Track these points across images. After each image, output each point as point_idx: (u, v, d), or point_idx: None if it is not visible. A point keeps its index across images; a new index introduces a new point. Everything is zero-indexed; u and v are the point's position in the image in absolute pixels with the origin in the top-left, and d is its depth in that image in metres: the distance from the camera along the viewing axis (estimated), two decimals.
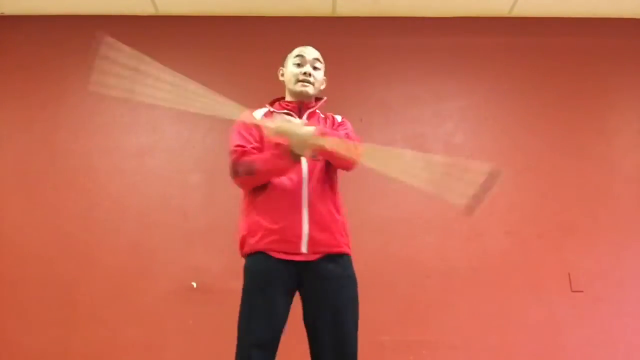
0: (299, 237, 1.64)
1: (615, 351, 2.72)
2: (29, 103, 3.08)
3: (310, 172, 1.70)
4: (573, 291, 2.79)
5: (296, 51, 1.87)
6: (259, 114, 1.83)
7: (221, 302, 2.64)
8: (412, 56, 3.22)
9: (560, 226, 2.91)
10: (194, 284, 2.73)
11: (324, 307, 1.63)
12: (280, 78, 1.92)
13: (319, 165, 1.73)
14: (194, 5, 3.19)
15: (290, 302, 1.67)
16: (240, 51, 3.19)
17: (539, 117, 3.12)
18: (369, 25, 3.26)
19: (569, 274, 2.82)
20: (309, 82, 1.81)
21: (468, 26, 3.27)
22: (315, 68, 1.85)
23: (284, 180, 1.68)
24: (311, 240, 1.64)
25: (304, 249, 1.64)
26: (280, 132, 1.59)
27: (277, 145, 1.63)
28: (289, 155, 1.60)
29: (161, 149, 3.02)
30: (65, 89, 3.11)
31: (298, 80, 1.81)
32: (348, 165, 1.72)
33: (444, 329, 2.73)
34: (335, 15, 3.26)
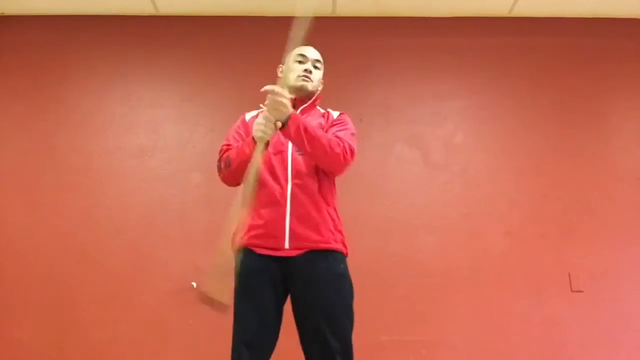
0: (282, 232, 1.62)
1: (615, 351, 2.72)
2: (29, 103, 3.08)
3: (296, 168, 1.71)
4: (573, 291, 2.79)
5: (298, 50, 1.88)
6: (250, 114, 1.90)
7: None
8: (412, 56, 3.22)
9: (560, 226, 2.91)
10: (194, 284, 2.73)
11: (313, 309, 1.59)
12: (280, 75, 1.93)
13: (307, 162, 1.72)
14: (194, 5, 3.19)
15: (283, 300, 1.66)
16: (240, 51, 3.19)
17: (539, 117, 3.12)
18: (369, 25, 3.26)
19: (569, 274, 2.82)
20: (309, 78, 1.84)
21: (468, 26, 3.27)
22: (315, 67, 1.88)
23: (270, 179, 1.69)
24: (294, 236, 1.62)
25: (286, 244, 1.62)
26: (269, 90, 1.63)
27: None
28: (255, 141, 1.63)
29: (161, 149, 3.02)
30: (65, 89, 3.11)
31: (298, 76, 1.84)
32: (329, 163, 1.69)
33: (444, 329, 2.73)
34: (335, 15, 3.26)
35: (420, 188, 2.99)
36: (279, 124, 1.62)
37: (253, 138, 1.65)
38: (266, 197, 1.67)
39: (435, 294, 2.79)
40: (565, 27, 3.29)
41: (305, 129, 1.63)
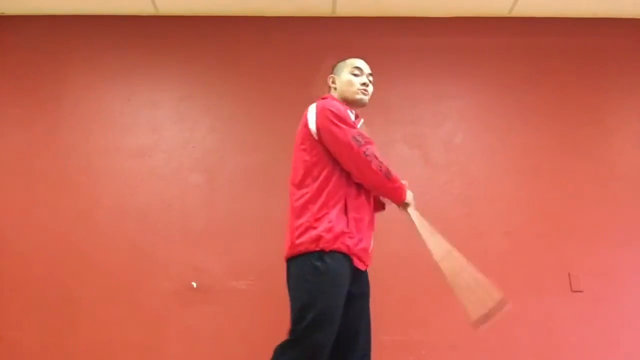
0: (370, 248, 1.82)
1: (615, 351, 2.72)
2: (29, 103, 3.08)
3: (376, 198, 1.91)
4: (573, 291, 2.79)
5: (354, 62, 1.95)
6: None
7: (221, 302, 2.65)
8: (412, 56, 3.22)
9: (560, 226, 2.91)
10: (194, 284, 2.73)
11: (366, 315, 1.85)
12: (331, 85, 1.97)
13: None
14: (194, 5, 3.19)
15: None
16: (240, 51, 3.19)
17: (539, 117, 3.12)
18: (369, 25, 3.26)
19: (569, 274, 2.82)
20: (367, 92, 1.92)
21: (468, 26, 3.27)
22: (369, 81, 1.96)
23: (367, 202, 1.83)
24: (370, 253, 1.84)
25: (369, 262, 1.83)
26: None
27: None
28: (403, 199, 1.86)
29: (161, 149, 3.02)
30: (65, 89, 3.11)
31: (358, 89, 1.91)
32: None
33: (444, 329, 2.73)
34: (335, 15, 3.26)
35: (420, 188, 2.98)
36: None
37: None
38: (369, 217, 1.83)
39: (435, 294, 2.78)
40: (565, 27, 3.29)
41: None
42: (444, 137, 3.09)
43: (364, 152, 1.72)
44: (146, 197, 2.91)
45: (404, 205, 1.87)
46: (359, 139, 1.74)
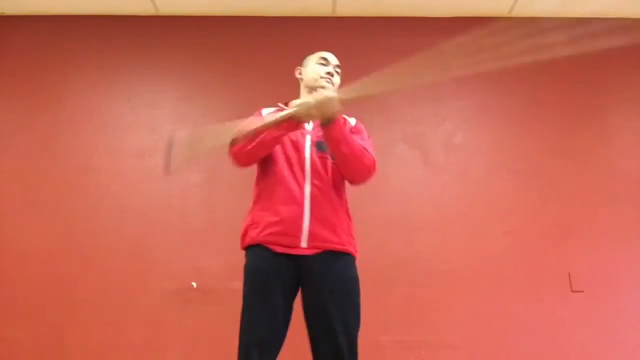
0: (299, 231, 1.63)
1: (615, 351, 2.72)
2: (30, 103, 3.08)
3: (314, 169, 1.71)
4: (573, 291, 2.79)
5: (320, 54, 1.92)
6: (267, 110, 1.85)
7: (221, 302, 2.65)
8: (412, 56, 3.21)
9: (560, 226, 2.91)
10: (194, 284, 2.73)
11: (326, 307, 1.60)
12: (298, 76, 1.94)
13: (324, 164, 1.73)
14: (194, 5, 3.19)
15: (292, 299, 1.67)
16: (240, 51, 3.19)
17: (539, 117, 3.12)
18: (369, 25, 3.26)
19: (569, 274, 2.82)
20: (330, 81, 1.86)
21: (468, 26, 3.26)
22: (336, 72, 1.90)
23: (288, 177, 1.69)
24: (311, 235, 1.64)
25: (303, 243, 1.63)
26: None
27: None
28: (292, 119, 1.62)
29: (161, 149, 3.00)
30: (65, 89, 3.12)
31: (321, 77, 1.85)
32: (355, 172, 1.72)
33: (444, 329, 2.73)
34: (335, 15, 3.26)
35: (420, 188, 2.99)
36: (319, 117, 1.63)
37: (286, 117, 1.62)
38: (284, 195, 1.67)
39: (435, 294, 2.79)
40: (565, 27, 3.28)
41: (346, 132, 1.66)
42: (444, 137, 3.09)
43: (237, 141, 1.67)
44: (146, 197, 2.91)
45: (302, 116, 1.62)
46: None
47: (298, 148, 1.74)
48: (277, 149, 1.73)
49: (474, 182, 3.00)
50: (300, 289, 1.67)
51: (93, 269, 2.77)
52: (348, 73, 3.27)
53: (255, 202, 1.75)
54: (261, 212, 1.69)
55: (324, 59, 1.89)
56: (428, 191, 2.98)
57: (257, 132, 1.63)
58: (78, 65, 3.16)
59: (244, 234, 1.72)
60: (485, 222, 2.91)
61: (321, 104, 1.60)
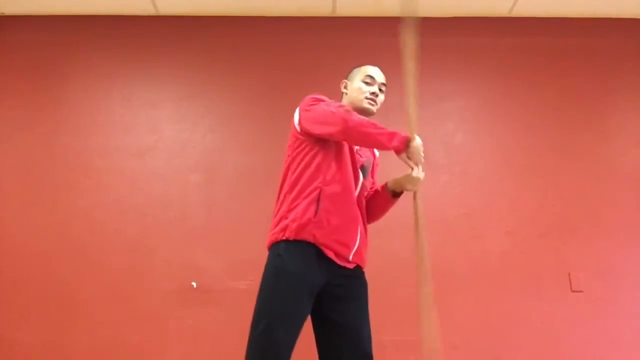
0: (353, 244, 1.70)
1: (615, 351, 2.72)
2: (29, 103, 3.08)
3: (363, 187, 1.80)
4: (573, 291, 2.79)
5: (367, 69, 1.92)
6: None
7: (221, 302, 2.65)
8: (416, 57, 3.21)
9: (560, 226, 2.91)
10: (194, 284, 2.73)
11: (359, 321, 1.66)
12: (343, 90, 1.94)
13: (365, 185, 1.81)
14: (194, 5, 3.19)
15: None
16: (240, 51, 3.19)
17: (539, 117, 3.12)
18: (369, 25, 3.25)
19: (569, 274, 2.82)
20: (375, 102, 1.88)
21: (468, 26, 3.27)
22: (380, 91, 1.93)
23: (352, 187, 1.73)
24: (357, 251, 1.71)
25: (350, 256, 1.69)
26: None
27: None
28: (404, 146, 1.67)
29: (161, 149, 3.02)
30: (65, 89, 3.12)
31: (366, 98, 1.86)
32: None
33: (444, 329, 2.72)
34: (335, 15, 3.26)
35: (420, 188, 2.98)
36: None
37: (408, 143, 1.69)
38: (349, 204, 1.70)
39: (436, 294, 2.78)
40: (565, 27, 3.29)
41: None
42: (444, 137, 3.09)
43: (337, 111, 1.67)
44: (146, 197, 2.91)
45: (404, 149, 1.69)
46: (331, 104, 1.72)
47: (355, 165, 1.77)
48: (347, 153, 1.75)
49: (474, 182, 3.00)
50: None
51: (93, 269, 2.77)
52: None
53: (310, 196, 1.65)
54: (327, 214, 1.63)
55: (371, 77, 1.90)
56: (428, 191, 2.97)
57: (375, 126, 1.65)
58: (78, 65, 3.16)
59: (302, 226, 1.61)
60: (485, 222, 2.91)
61: (416, 183, 1.78)
